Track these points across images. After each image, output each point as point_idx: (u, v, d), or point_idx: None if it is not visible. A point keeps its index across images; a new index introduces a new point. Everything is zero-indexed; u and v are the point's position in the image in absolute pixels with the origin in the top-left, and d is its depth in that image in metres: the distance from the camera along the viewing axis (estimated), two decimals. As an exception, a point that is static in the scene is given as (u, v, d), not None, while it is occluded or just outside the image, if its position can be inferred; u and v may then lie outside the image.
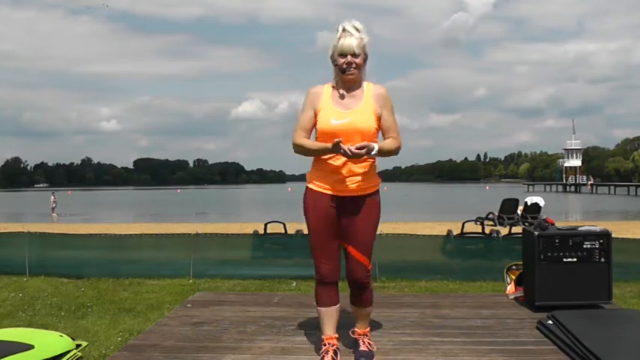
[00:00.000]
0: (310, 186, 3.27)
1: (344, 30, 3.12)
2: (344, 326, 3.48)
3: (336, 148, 3.01)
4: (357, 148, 2.99)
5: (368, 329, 3.45)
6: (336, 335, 3.34)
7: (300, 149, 3.21)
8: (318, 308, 3.34)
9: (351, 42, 3.08)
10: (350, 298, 3.39)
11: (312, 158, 3.27)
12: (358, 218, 3.20)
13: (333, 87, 3.23)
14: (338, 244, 3.28)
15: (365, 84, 3.22)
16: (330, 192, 3.20)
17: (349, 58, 3.09)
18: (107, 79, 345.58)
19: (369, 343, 3.37)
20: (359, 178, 3.17)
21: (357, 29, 3.13)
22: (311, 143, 3.19)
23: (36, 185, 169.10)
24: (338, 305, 3.33)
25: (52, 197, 31.34)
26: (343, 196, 3.19)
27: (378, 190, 3.29)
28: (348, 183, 3.17)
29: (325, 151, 3.11)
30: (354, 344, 3.42)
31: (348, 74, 3.12)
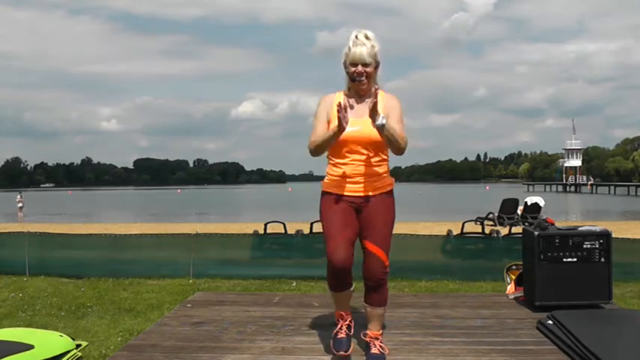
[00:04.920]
0: (325, 189, 3.37)
1: (356, 38, 3.20)
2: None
3: (341, 121, 3.03)
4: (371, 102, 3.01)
5: (380, 332, 3.41)
6: (349, 311, 3.46)
7: (315, 148, 3.26)
8: (331, 292, 3.41)
9: (362, 51, 3.16)
10: (364, 296, 3.38)
11: (325, 166, 3.40)
12: (374, 215, 3.29)
13: (346, 94, 3.31)
14: (353, 237, 3.28)
15: (378, 91, 3.21)
16: (345, 193, 3.29)
17: (360, 67, 3.18)
18: (107, 79, 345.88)
19: (380, 346, 3.35)
20: (371, 179, 3.29)
21: (367, 38, 3.20)
22: (321, 136, 3.22)
23: (42, 185, 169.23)
24: (351, 288, 3.42)
25: (19, 197, 31.46)
26: (357, 196, 3.29)
27: (392, 191, 3.38)
28: (361, 185, 3.28)
29: (335, 133, 3.12)
30: (365, 347, 3.41)
31: (359, 84, 3.22)
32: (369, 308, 3.38)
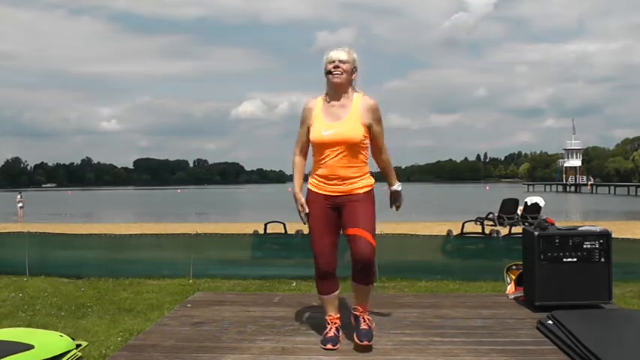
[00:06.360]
0: (309, 187, 3.60)
1: (333, 50, 3.53)
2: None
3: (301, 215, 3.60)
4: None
5: (367, 306, 3.64)
6: (338, 315, 3.66)
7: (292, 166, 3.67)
8: (320, 296, 3.66)
9: (339, 51, 3.49)
10: (352, 275, 3.56)
11: (311, 162, 3.62)
12: (355, 208, 3.49)
13: (325, 99, 3.55)
14: (335, 240, 3.57)
15: (355, 95, 3.53)
16: (325, 192, 3.52)
17: (336, 62, 3.46)
18: (107, 79, 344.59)
19: (368, 320, 3.59)
20: (350, 180, 3.49)
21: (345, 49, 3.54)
22: (296, 176, 3.65)
23: (43, 185, 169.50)
24: (337, 291, 3.66)
25: (19, 197, 31.59)
26: (337, 195, 3.50)
27: (371, 190, 3.58)
28: (340, 185, 3.49)
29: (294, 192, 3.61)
30: (355, 320, 3.62)
31: (334, 76, 3.45)
32: (357, 286, 3.58)
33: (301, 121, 3.61)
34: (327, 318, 3.66)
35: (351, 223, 3.46)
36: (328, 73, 3.47)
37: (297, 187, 3.64)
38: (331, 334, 3.58)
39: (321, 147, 3.48)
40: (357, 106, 3.48)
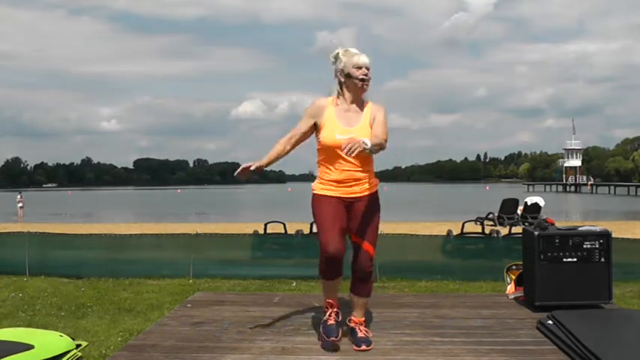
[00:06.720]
0: (316, 192, 3.58)
1: (355, 53, 3.48)
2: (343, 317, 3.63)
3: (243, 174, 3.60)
4: (347, 150, 3.16)
5: (364, 319, 3.68)
6: (337, 299, 3.66)
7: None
8: (323, 281, 3.63)
9: (365, 58, 3.47)
10: (350, 286, 3.65)
11: (317, 168, 3.62)
12: (363, 214, 3.52)
13: (336, 103, 3.53)
14: (343, 227, 3.51)
15: (366, 103, 3.55)
16: (335, 195, 3.51)
17: (365, 69, 3.46)
18: (107, 79, 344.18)
19: (365, 330, 3.62)
20: (360, 182, 3.52)
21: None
22: (272, 150, 3.58)
23: (44, 185, 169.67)
24: (340, 277, 3.60)
25: (19, 197, 31.64)
26: (347, 197, 3.51)
27: (377, 190, 3.64)
28: (350, 188, 3.51)
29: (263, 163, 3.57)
30: (351, 332, 3.64)
31: (365, 85, 3.47)
32: (355, 298, 3.66)
33: (307, 113, 3.54)
34: (326, 302, 3.65)
35: (358, 231, 3.53)
36: (361, 80, 3.44)
37: (265, 158, 3.57)
38: (332, 320, 3.56)
39: (333, 151, 3.45)
40: (368, 113, 3.51)
